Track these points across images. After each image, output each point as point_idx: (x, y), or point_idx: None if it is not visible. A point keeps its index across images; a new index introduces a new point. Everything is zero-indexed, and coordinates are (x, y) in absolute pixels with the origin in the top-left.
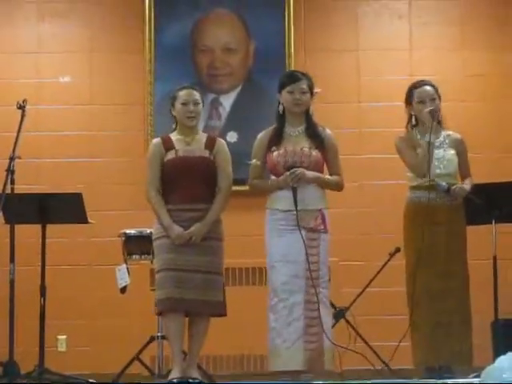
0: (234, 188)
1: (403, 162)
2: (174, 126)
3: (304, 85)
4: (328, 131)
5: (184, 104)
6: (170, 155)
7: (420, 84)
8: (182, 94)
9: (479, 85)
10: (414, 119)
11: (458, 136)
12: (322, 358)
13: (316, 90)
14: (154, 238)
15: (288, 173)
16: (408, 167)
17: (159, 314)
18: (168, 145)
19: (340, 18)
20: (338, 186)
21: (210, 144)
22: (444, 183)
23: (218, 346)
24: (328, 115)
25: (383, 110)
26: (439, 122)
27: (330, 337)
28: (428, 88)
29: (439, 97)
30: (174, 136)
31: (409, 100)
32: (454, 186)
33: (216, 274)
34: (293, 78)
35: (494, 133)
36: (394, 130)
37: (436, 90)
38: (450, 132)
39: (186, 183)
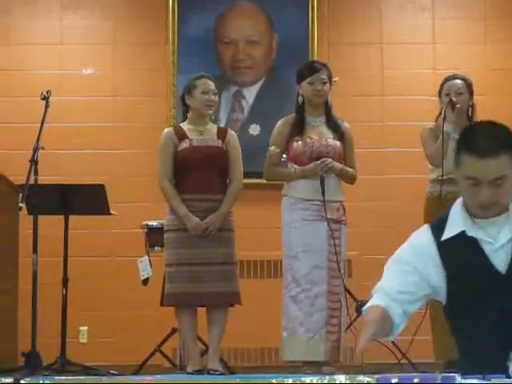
0: (256, 181)
1: (424, 152)
2: (187, 115)
3: (324, 75)
4: (346, 124)
5: (204, 93)
6: (184, 144)
7: (452, 77)
8: (201, 82)
9: (502, 78)
10: (444, 114)
11: None
12: (340, 348)
13: (334, 78)
14: (165, 229)
15: (319, 161)
16: (426, 157)
17: (167, 305)
18: (181, 134)
19: (364, 12)
20: (353, 179)
21: (222, 134)
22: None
23: (238, 339)
24: (351, 108)
25: (406, 104)
26: (469, 117)
27: (343, 328)
28: (457, 82)
29: (471, 92)
30: (185, 126)
31: (440, 92)
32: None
33: (232, 265)
34: (313, 68)
35: None
36: (417, 124)
37: (467, 84)
38: None
39: (200, 172)
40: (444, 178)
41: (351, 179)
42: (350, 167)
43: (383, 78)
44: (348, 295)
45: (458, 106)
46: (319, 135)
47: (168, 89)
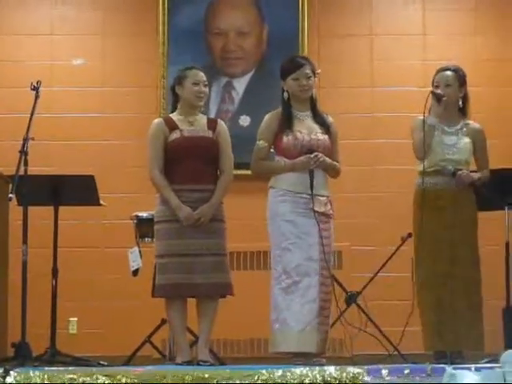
0: (246, 172)
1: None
2: (176, 106)
3: (308, 69)
4: (330, 118)
5: (195, 84)
6: (175, 135)
7: (443, 68)
8: (192, 73)
9: (492, 70)
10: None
11: (476, 126)
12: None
13: (317, 71)
14: (155, 220)
15: (312, 155)
16: (413, 149)
17: (158, 297)
18: (171, 125)
19: (353, 3)
20: (338, 173)
21: (212, 125)
22: (450, 167)
23: (228, 331)
24: (341, 99)
25: (396, 95)
26: (464, 110)
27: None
28: (446, 73)
29: (461, 83)
30: (174, 116)
31: (433, 84)
32: (460, 172)
33: (223, 256)
34: (296, 64)
35: (507, 118)
36: (407, 115)
37: (459, 75)
38: (470, 122)
39: (191, 163)
40: (431, 170)
41: (337, 173)
42: (336, 160)
43: (373, 70)
44: (338, 286)
45: (444, 98)
46: (308, 129)
47: (158, 79)
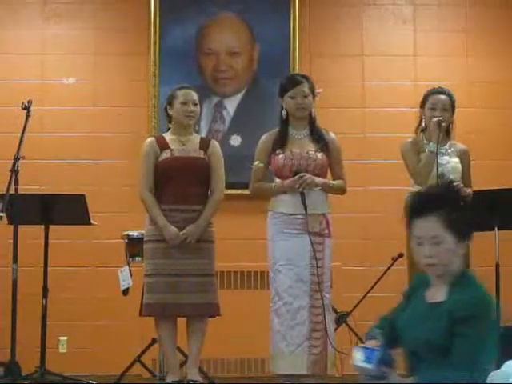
0: (237, 191)
1: (406, 167)
2: (168, 126)
3: (305, 88)
4: (332, 134)
5: (184, 103)
6: (166, 154)
7: (437, 91)
8: (181, 93)
9: (483, 91)
10: (423, 123)
11: (463, 146)
12: (325, 362)
13: (318, 90)
14: (144, 239)
15: (296, 177)
16: (409, 173)
17: (145, 316)
18: (162, 144)
19: (345, 23)
20: (342, 190)
21: (205, 145)
22: (448, 175)
23: (219, 350)
24: (332, 120)
25: (387, 115)
26: (447, 132)
27: (333, 342)
28: (443, 97)
29: (453, 108)
30: (167, 136)
31: (423, 103)
32: (457, 183)
33: (210, 276)
34: (293, 81)
35: (498, 139)
36: (398, 135)
37: (452, 101)
38: (456, 142)
39: (180, 183)
40: None
41: (340, 190)
42: (338, 178)
43: (364, 90)
44: None
45: (443, 124)
46: (301, 148)
47: (149, 99)
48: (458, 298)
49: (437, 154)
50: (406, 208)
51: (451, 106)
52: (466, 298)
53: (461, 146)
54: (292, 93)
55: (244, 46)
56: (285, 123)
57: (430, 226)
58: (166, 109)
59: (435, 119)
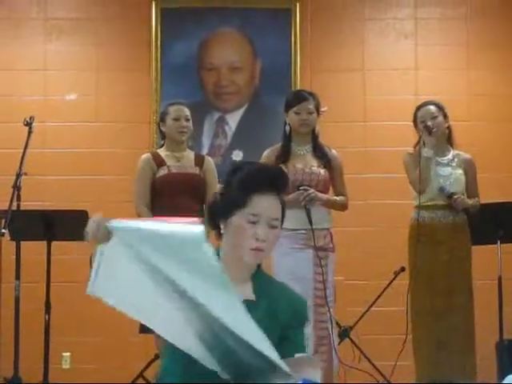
0: None
1: (408, 178)
2: (162, 142)
3: (311, 105)
4: (334, 152)
5: (176, 119)
6: (163, 171)
7: (423, 104)
8: (173, 109)
9: (484, 105)
10: (422, 141)
11: (467, 156)
12: (331, 376)
13: (323, 108)
14: None
15: (300, 191)
16: (410, 183)
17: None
18: (159, 160)
19: (346, 38)
20: (344, 207)
21: (200, 161)
22: (448, 188)
23: None
24: (334, 134)
25: (389, 130)
26: (450, 141)
27: (338, 356)
28: (429, 107)
29: (445, 115)
30: (162, 152)
31: (415, 121)
32: (457, 196)
33: None
34: (299, 98)
35: (500, 153)
36: (400, 149)
37: (440, 108)
38: (460, 152)
39: (177, 199)
40: (429, 204)
41: (341, 207)
42: (341, 194)
43: (365, 104)
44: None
45: (434, 130)
46: (303, 164)
47: (151, 115)
48: None
49: (420, 159)
50: (410, 230)
51: (440, 112)
52: None
53: (465, 155)
54: (297, 108)
55: (245, 61)
56: (288, 138)
57: (275, 205)
58: (159, 125)
59: (422, 124)
